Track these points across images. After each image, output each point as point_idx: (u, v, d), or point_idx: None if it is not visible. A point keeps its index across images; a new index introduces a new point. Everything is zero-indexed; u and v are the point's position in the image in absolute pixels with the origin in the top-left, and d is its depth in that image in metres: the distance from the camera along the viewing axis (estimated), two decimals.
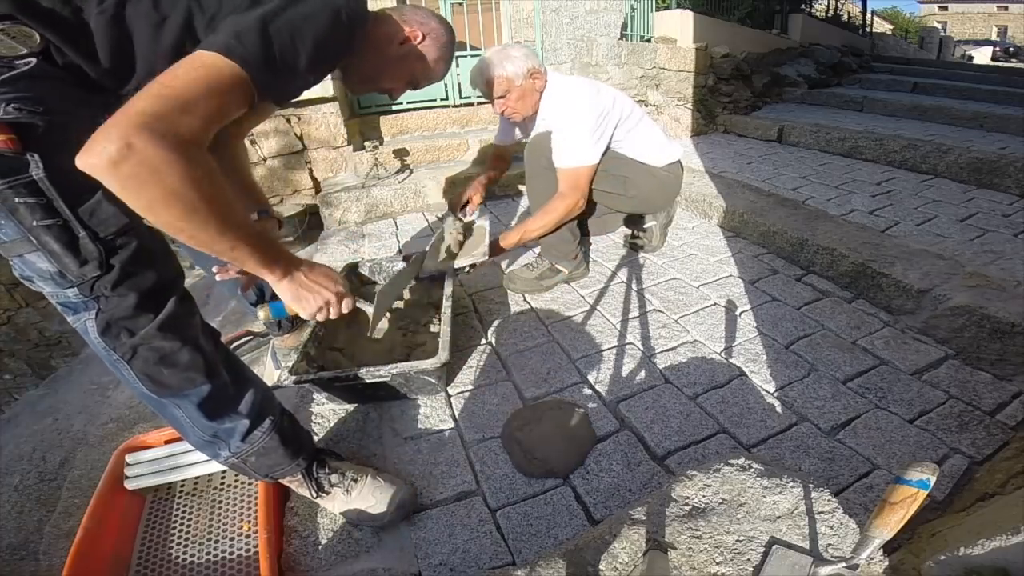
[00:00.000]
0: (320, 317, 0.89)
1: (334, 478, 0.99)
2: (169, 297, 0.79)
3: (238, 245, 0.73)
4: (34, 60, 0.65)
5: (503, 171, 2.03)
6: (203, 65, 0.67)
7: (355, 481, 1.00)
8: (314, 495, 0.98)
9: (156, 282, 0.77)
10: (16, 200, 0.65)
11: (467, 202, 1.84)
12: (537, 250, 1.95)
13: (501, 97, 1.58)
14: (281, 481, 0.97)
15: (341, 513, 1.00)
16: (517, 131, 1.86)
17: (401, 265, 1.56)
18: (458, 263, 1.62)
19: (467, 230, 1.73)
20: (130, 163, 0.60)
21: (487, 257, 1.63)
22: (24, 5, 0.64)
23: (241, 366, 0.91)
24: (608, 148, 1.68)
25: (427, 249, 1.66)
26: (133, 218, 0.74)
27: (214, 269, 1.11)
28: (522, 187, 2.90)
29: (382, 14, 0.99)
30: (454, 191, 2.83)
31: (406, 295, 1.73)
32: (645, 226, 2.03)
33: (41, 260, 0.69)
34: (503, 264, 2.06)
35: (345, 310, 0.92)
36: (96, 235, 0.70)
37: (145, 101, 0.63)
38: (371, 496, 0.99)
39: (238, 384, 0.87)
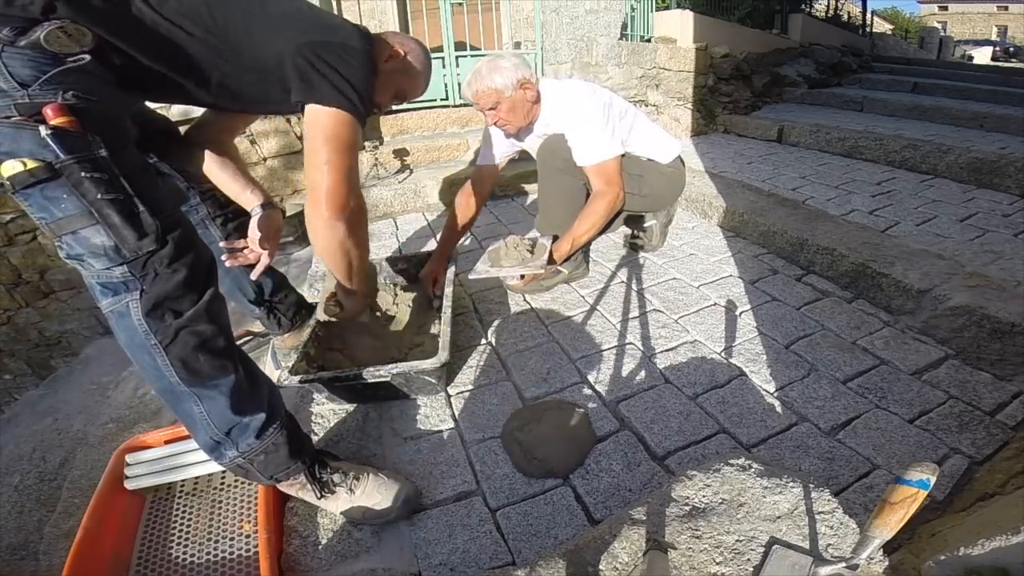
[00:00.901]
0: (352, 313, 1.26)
1: (336, 477, 0.99)
2: (211, 281, 0.84)
3: (363, 266, 1.13)
4: (87, 57, 0.71)
5: (472, 219, 1.82)
6: (346, 125, 0.94)
7: (357, 479, 1.00)
8: (318, 496, 0.98)
9: (199, 264, 0.81)
10: (82, 174, 0.69)
11: (435, 281, 1.68)
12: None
13: (492, 109, 1.57)
14: (283, 485, 0.97)
15: (344, 512, 1.00)
16: (511, 143, 1.79)
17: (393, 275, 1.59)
18: (511, 272, 1.61)
19: (531, 244, 1.69)
20: (356, 215, 1.01)
21: (543, 269, 1.60)
22: (81, 7, 0.70)
23: (251, 362, 0.93)
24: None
25: (487, 253, 1.69)
26: (177, 202, 0.89)
27: (224, 257, 1.19)
28: (524, 186, 2.91)
29: (374, 36, 1.10)
30: (456, 189, 2.83)
31: (406, 295, 1.73)
32: (645, 225, 2.03)
33: (98, 235, 0.71)
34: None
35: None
36: (154, 211, 0.76)
37: (338, 157, 0.94)
38: (376, 493, 0.99)
39: (252, 379, 0.89)
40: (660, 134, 1.83)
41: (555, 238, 1.69)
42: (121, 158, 0.74)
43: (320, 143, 0.92)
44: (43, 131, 0.66)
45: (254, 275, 1.28)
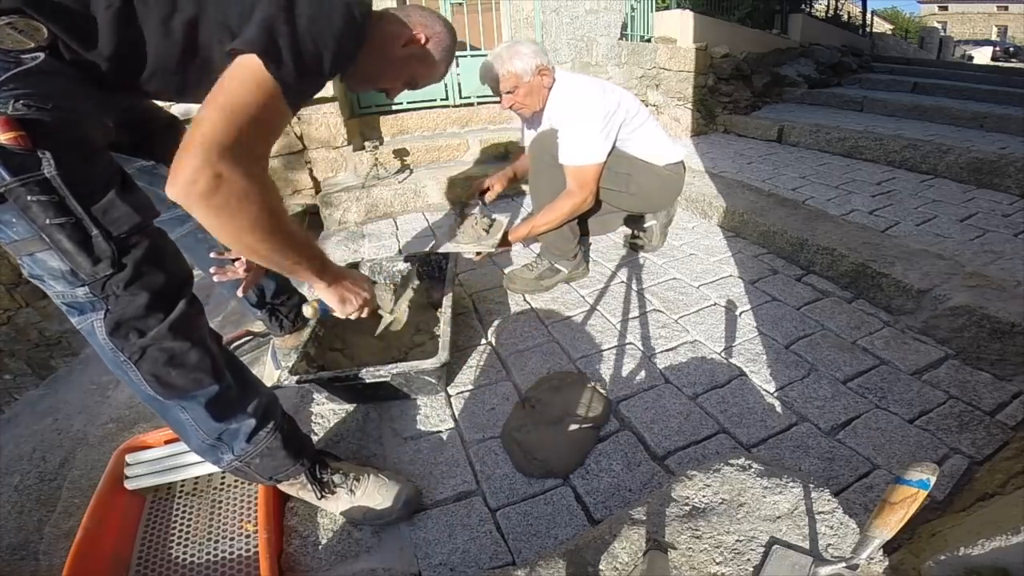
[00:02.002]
0: (353, 316, 1.02)
1: (337, 478, 0.99)
2: (180, 297, 0.79)
3: (301, 260, 0.83)
4: (42, 55, 0.65)
5: (526, 169, 1.89)
6: (257, 85, 0.69)
7: (358, 480, 1.00)
8: (319, 496, 0.98)
9: (167, 282, 0.77)
10: (29, 198, 0.64)
11: (487, 189, 1.85)
12: (537, 249, 1.95)
13: (509, 92, 1.60)
14: (283, 485, 0.97)
15: (344, 513, 1.00)
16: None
17: (405, 266, 1.57)
18: (467, 248, 1.64)
19: (489, 223, 1.74)
20: (221, 193, 0.65)
21: (496, 248, 1.64)
22: None
23: (244, 368, 0.91)
24: (614, 147, 1.69)
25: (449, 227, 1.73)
26: (145, 216, 0.75)
27: (212, 270, 1.12)
28: (523, 187, 2.90)
29: (388, 14, 0.98)
30: (456, 189, 2.84)
31: (410, 296, 1.73)
32: (645, 225, 2.04)
33: (53, 259, 0.68)
34: (503, 264, 2.06)
35: (364, 315, 1.04)
36: (109, 233, 0.70)
37: (218, 126, 0.66)
38: (376, 494, 0.99)
39: (242, 385, 0.87)
40: (664, 138, 1.83)
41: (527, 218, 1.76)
42: (74, 175, 0.67)
43: (204, 110, 0.67)
44: None
45: (242, 291, 1.19)
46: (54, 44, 0.66)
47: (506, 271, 1.91)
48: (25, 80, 0.63)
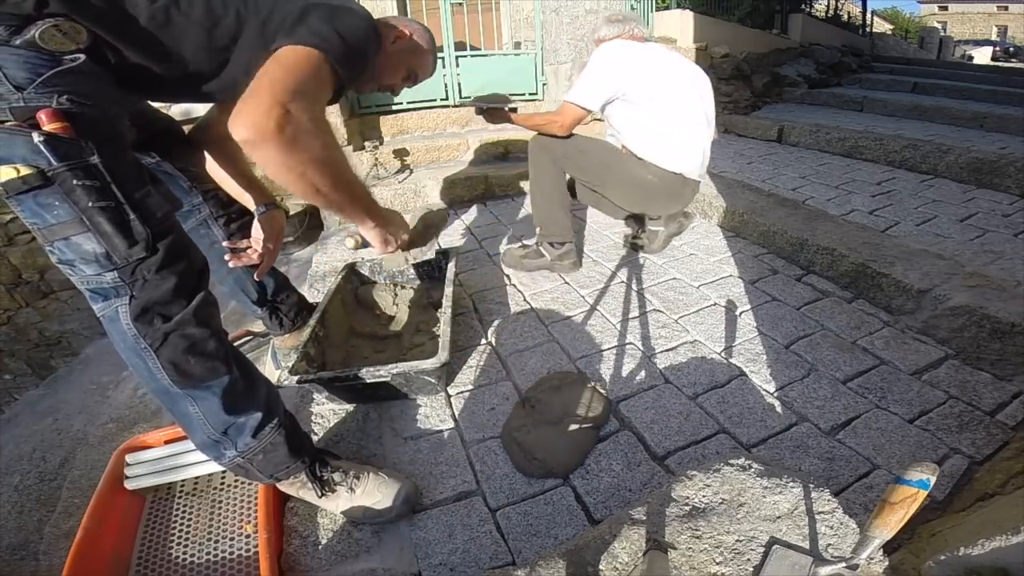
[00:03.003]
0: (390, 251, 1.09)
1: (337, 476, 0.99)
2: (201, 286, 0.83)
3: (356, 198, 0.91)
4: (82, 56, 0.70)
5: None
6: (308, 57, 0.78)
7: (358, 479, 1.00)
8: (319, 495, 0.98)
9: (190, 270, 0.81)
10: (74, 182, 0.68)
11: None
12: (536, 234, 1.95)
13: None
14: (283, 484, 0.97)
15: (344, 512, 1.00)
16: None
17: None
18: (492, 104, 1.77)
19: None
20: (291, 129, 0.72)
21: (508, 108, 1.78)
22: (74, 3, 0.68)
23: (248, 363, 0.93)
24: (610, 115, 1.76)
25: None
26: (175, 205, 0.82)
27: (227, 256, 1.20)
28: (523, 186, 2.90)
29: (379, 20, 1.07)
30: (456, 189, 2.84)
31: (405, 295, 1.73)
32: (649, 228, 2.03)
33: (89, 241, 0.71)
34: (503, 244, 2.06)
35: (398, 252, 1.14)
36: (146, 218, 0.75)
37: (282, 76, 0.74)
38: (376, 492, 0.99)
39: (248, 379, 0.89)
40: (674, 143, 1.71)
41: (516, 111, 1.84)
42: (114, 164, 0.72)
43: (265, 71, 0.75)
44: (36, 137, 0.65)
45: (258, 275, 1.29)
46: (94, 46, 0.71)
47: (504, 248, 2.01)
48: (65, 79, 0.68)
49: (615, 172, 1.80)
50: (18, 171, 0.66)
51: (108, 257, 0.72)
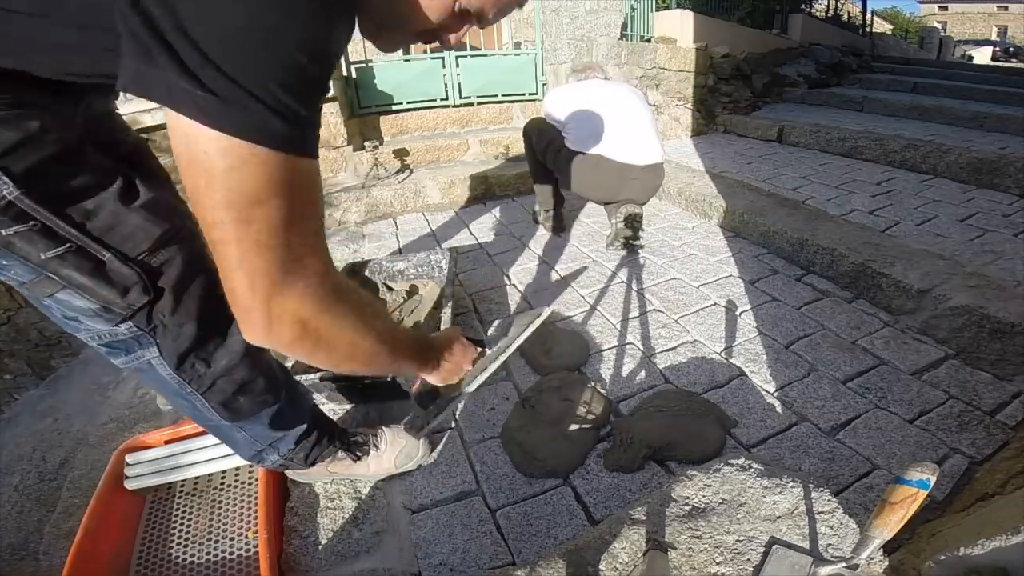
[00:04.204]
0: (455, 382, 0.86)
1: (360, 439, 1.03)
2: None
3: (400, 359, 0.68)
4: None
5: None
6: (254, 162, 0.42)
7: (376, 436, 1.05)
8: (355, 459, 1.02)
9: (219, 298, 0.55)
10: (2, 232, 0.49)
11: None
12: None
13: None
14: (317, 466, 0.99)
15: (382, 471, 1.04)
16: None
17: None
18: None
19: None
20: (307, 333, 0.51)
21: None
22: None
23: (288, 371, 0.90)
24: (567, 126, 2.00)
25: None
26: (170, 225, 0.60)
27: None
28: (521, 186, 2.90)
29: None
30: (456, 189, 2.83)
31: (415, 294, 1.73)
32: (611, 220, 2.07)
33: (75, 298, 0.56)
34: (503, 264, 2.05)
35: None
36: (125, 255, 0.57)
37: (250, 254, 0.45)
38: (397, 440, 1.04)
39: (294, 396, 0.87)
40: (619, 138, 1.91)
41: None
42: (47, 186, 0.51)
43: (212, 198, 0.43)
44: None
45: None
46: None
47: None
48: None
49: (555, 146, 2.05)
50: None
51: (108, 310, 0.58)
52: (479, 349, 0.89)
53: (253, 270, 0.46)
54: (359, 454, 1.01)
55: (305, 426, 0.89)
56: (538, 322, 0.96)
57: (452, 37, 0.60)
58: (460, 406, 0.98)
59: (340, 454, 1.00)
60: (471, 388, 0.88)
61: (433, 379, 0.81)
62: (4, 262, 0.52)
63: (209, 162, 0.42)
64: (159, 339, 0.63)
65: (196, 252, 0.64)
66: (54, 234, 0.52)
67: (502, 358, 0.91)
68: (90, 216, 0.54)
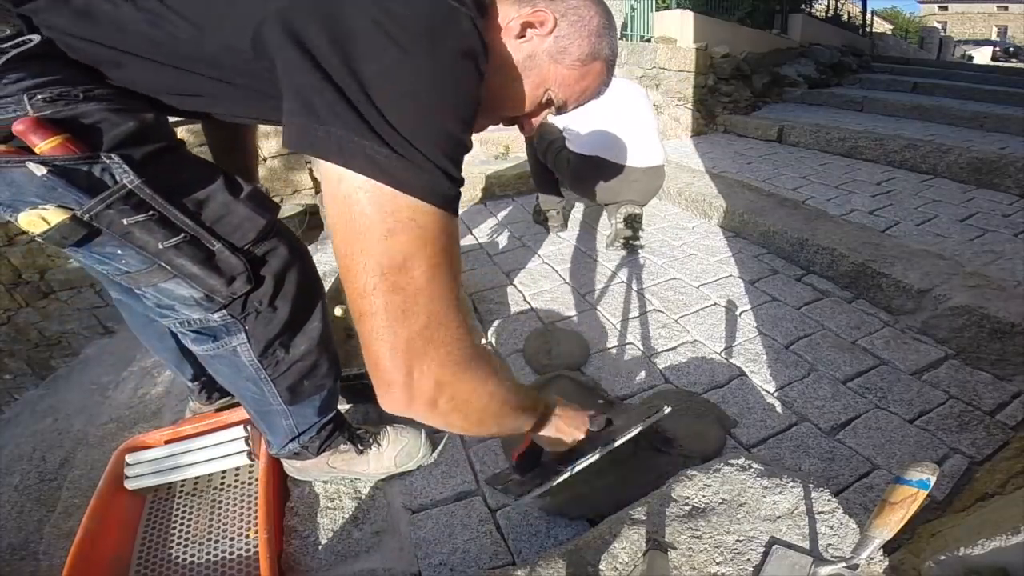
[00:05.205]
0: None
1: (363, 434, 1.03)
2: (320, 297, 0.72)
3: (521, 418, 0.70)
4: (35, 37, 0.46)
5: None
6: (415, 223, 0.46)
7: (379, 434, 1.04)
8: (358, 451, 1.00)
9: (310, 288, 0.66)
10: (124, 221, 0.50)
11: None
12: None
13: None
14: (323, 456, 0.98)
15: (382, 470, 1.03)
16: None
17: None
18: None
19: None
20: (445, 398, 0.53)
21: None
22: None
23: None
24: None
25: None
26: (271, 216, 0.63)
27: None
28: (521, 186, 2.90)
29: None
30: None
31: None
32: (610, 221, 2.07)
33: (181, 287, 0.57)
34: (504, 265, 2.05)
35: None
36: (234, 246, 0.58)
37: (395, 318, 0.47)
38: (400, 438, 1.03)
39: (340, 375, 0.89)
40: (611, 137, 1.91)
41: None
42: (165, 178, 0.52)
43: (367, 263, 0.46)
44: (36, 170, 0.46)
45: None
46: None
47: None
48: (27, 67, 0.46)
49: (556, 146, 2.05)
50: (46, 221, 0.48)
51: (209, 299, 0.60)
52: (597, 419, 0.88)
53: (395, 341, 0.48)
54: (362, 447, 1.01)
55: (333, 415, 0.90)
56: (656, 417, 0.95)
57: (534, 121, 0.68)
58: (559, 480, 0.85)
59: (344, 445, 1.00)
60: (577, 468, 0.85)
61: (540, 439, 0.82)
62: (118, 252, 0.53)
63: (368, 222, 0.45)
64: (248, 326, 0.64)
65: (293, 243, 0.66)
66: (171, 224, 0.54)
67: (614, 444, 0.88)
68: (202, 206, 0.56)
